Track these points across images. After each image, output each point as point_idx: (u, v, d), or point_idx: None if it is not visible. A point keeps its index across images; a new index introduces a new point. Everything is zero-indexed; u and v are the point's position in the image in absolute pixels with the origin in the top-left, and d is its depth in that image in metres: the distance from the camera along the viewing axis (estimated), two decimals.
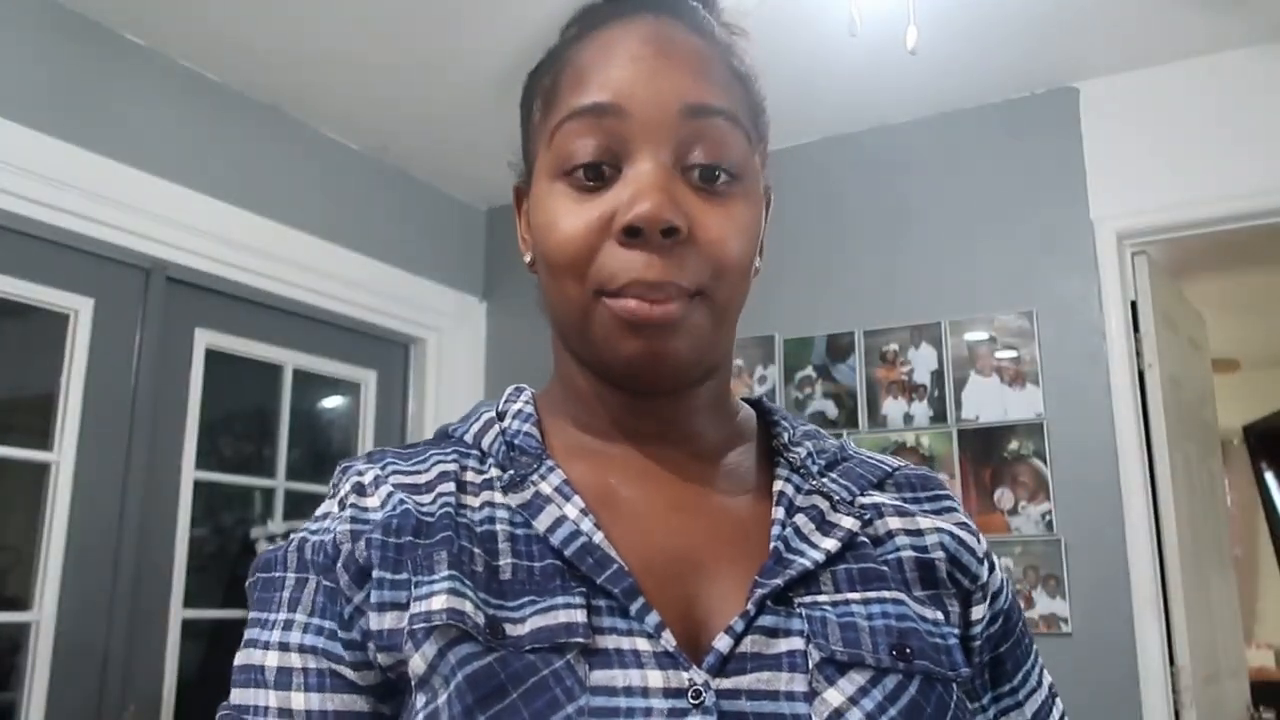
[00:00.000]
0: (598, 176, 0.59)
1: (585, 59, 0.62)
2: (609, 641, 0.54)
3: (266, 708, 0.57)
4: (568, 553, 0.57)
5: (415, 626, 0.55)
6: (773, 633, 0.56)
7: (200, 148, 2.42)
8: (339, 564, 0.59)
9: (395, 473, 0.63)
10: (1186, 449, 2.59)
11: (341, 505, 0.62)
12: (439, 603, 0.54)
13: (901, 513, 0.65)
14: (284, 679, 0.57)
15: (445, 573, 0.56)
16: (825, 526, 0.62)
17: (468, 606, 0.54)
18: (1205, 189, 2.40)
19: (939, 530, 0.65)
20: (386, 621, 0.56)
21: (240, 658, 0.60)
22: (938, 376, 2.59)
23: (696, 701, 0.52)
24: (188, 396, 2.42)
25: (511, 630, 0.54)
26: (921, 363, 2.61)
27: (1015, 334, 2.53)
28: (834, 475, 0.66)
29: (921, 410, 2.58)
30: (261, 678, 0.57)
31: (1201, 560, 2.54)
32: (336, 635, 0.58)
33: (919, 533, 0.64)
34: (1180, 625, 2.31)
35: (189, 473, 2.39)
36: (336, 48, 2.37)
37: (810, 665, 0.54)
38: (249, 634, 0.60)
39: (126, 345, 2.29)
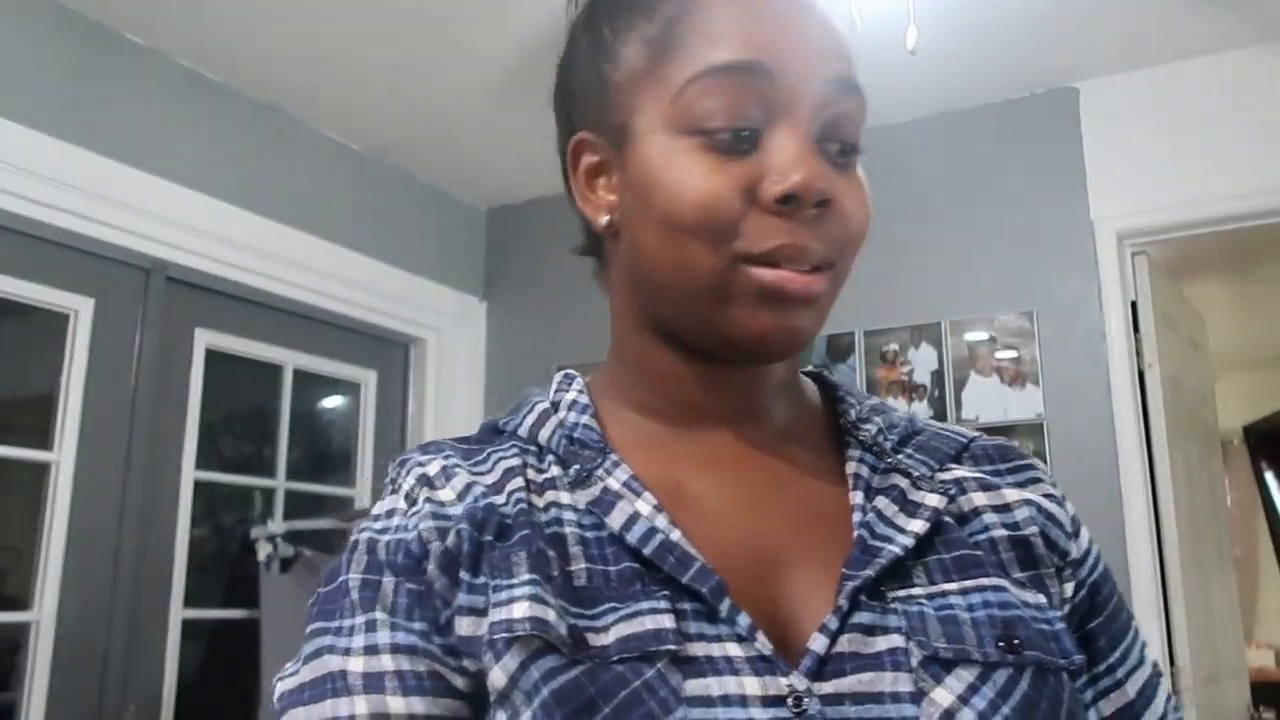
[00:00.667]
0: (738, 141, 0.54)
1: (716, 8, 0.56)
2: (699, 648, 0.50)
3: (354, 716, 0.49)
4: (647, 551, 0.53)
5: (496, 636, 0.50)
6: (870, 630, 0.52)
7: (200, 148, 2.42)
8: (431, 564, 0.53)
9: (459, 467, 0.59)
10: (1186, 449, 2.59)
11: (411, 500, 0.57)
12: (521, 610, 0.50)
13: (985, 486, 0.61)
14: (376, 682, 0.50)
15: (526, 577, 0.51)
16: (909, 507, 0.58)
17: (550, 615, 0.50)
18: (1205, 189, 2.40)
19: (1027, 503, 0.60)
20: (465, 628, 0.52)
21: (301, 676, 0.52)
22: (938, 376, 2.59)
23: (799, 710, 0.48)
24: (188, 396, 2.42)
25: (595, 640, 0.50)
26: (922, 363, 2.61)
27: (1015, 334, 2.53)
28: (909, 450, 0.62)
29: (922, 410, 2.58)
30: (344, 684, 0.50)
31: (1201, 560, 2.54)
32: (431, 638, 0.52)
33: (1006, 508, 0.60)
34: (1180, 625, 2.31)
35: (189, 473, 2.39)
36: (336, 48, 2.37)
37: (914, 663, 0.51)
38: (313, 646, 0.53)
39: (126, 345, 2.29)
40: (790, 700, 0.48)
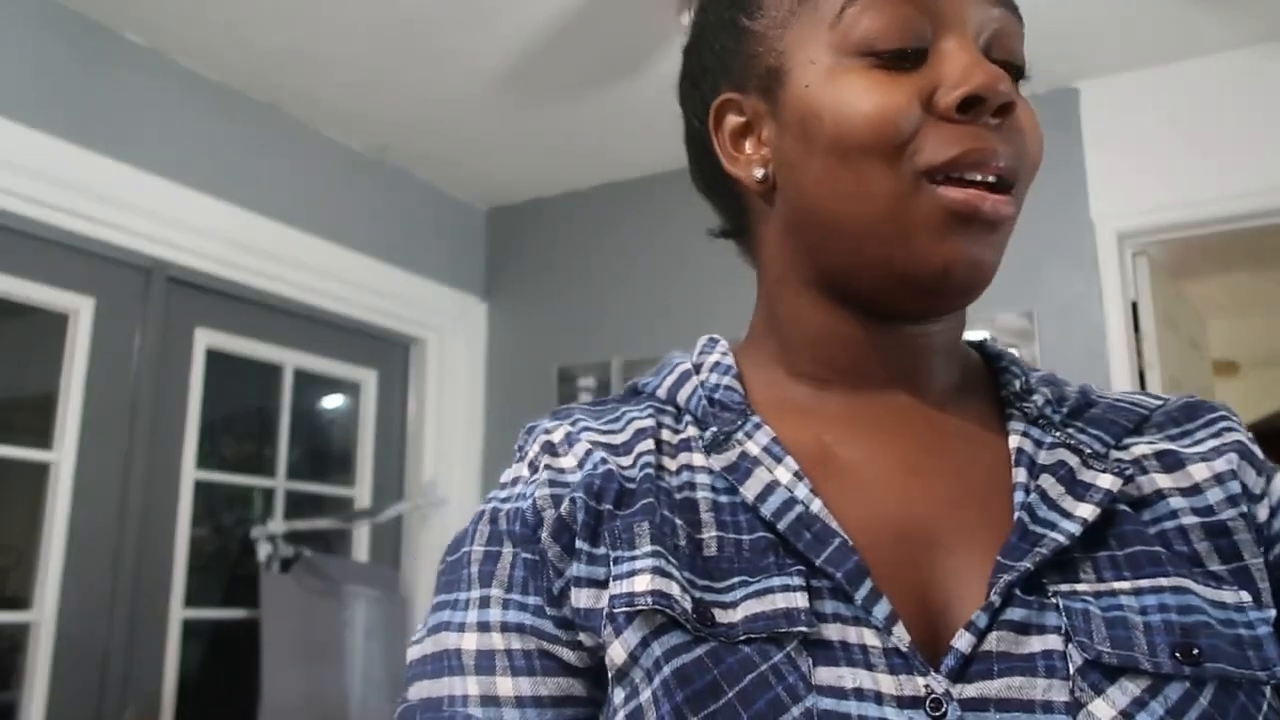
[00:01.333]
0: (904, 56, 0.51)
1: None
2: (834, 630, 0.46)
3: (466, 696, 0.49)
4: (781, 526, 0.49)
5: (616, 609, 0.48)
6: (1023, 628, 0.46)
7: (200, 148, 2.42)
8: (545, 533, 0.52)
9: (587, 429, 0.57)
10: None
11: (533, 468, 0.56)
12: (643, 583, 0.47)
13: (1169, 465, 0.53)
14: (486, 662, 0.50)
15: (649, 548, 0.49)
16: (1077, 488, 0.51)
17: (674, 589, 0.47)
18: (1206, 189, 2.40)
19: (1218, 480, 0.52)
20: (583, 599, 0.50)
21: (425, 647, 0.52)
22: None
23: (938, 713, 0.44)
24: (188, 396, 2.42)
25: (722, 616, 0.47)
26: None
27: (1015, 334, 2.53)
28: (1081, 424, 0.56)
29: None
30: (458, 663, 0.50)
31: None
32: (544, 612, 0.51)
33: (1195, 489, 0.52)
34: None
35: (189, 472, 2.39)
36: (336, 48, 2.37)
37: (1072, 669, 0.45)
38: (435, 619, 0.53)
39: (126, 345, 2.29)
40: (929, 703, 0.44)
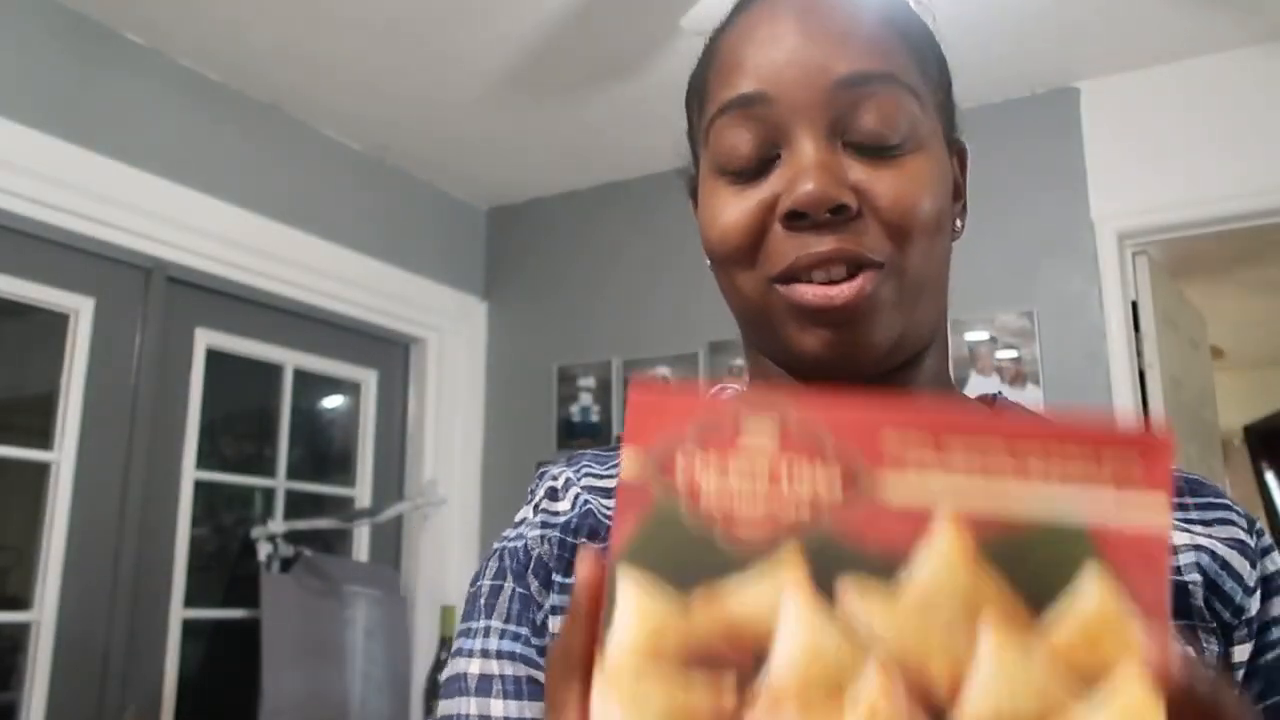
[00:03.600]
0: (756, 167, 0.55)
1: (729, 47, 0.57)
2: None
3: (467, 715, 0.55)
4: None
5: None
6: None
7: (200, 148, 2.42)
8: (530, 570, 0.58)
9: (588, 474, 0.62)
10: (1187, 449, 2.59)
11: (535, 510, 0.61)
12: None
13: None
14: (484, 685, 0.56)
15: None
16: None
17: None
18: (1206, 189, 2.40)
19: (1198, 549, 0.54)
20: (555, 626, 0.55)
21: (448, 670, 0.59)
22: None
23: None
24: (188, 396, 2.42)
25: None
26: None
27: (1015, 334, 2.53)
28: None
29: None
30: (464, 685, 0.56)
31: None
32: (530, 641, 0.57)
33: (1172, 550, 0.54)
34: None
35: (189, 473, 2.39)
36: (336, 48, 2.37)
37: None
38: (456, 645, 0.60)
39: (126, 345, 2.29)
40: None
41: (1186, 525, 0.56)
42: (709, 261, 0.62)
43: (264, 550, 2.48)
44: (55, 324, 2.18)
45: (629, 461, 0.36)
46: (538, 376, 3.02)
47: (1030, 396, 2.48)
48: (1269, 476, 5.37)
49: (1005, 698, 0.33)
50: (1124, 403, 2.39)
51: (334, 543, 2.74)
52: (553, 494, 0.61)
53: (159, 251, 2.31)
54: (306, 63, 2.43)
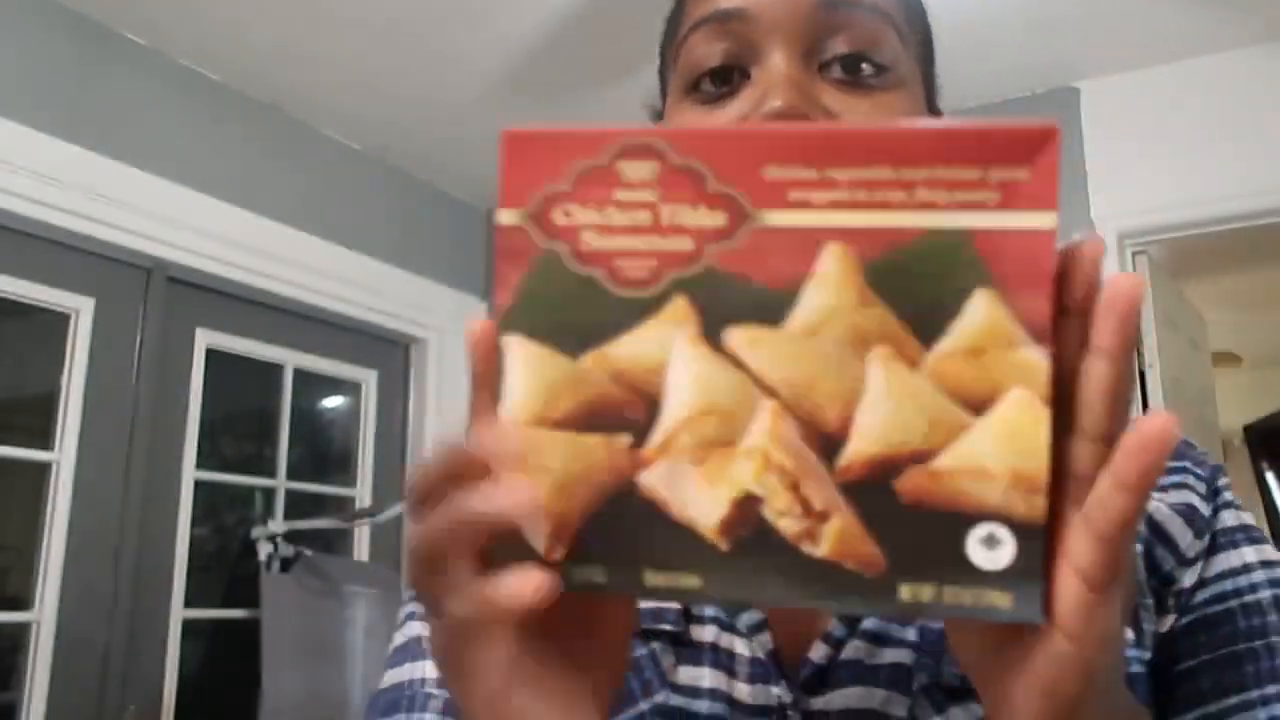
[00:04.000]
0: (725, 82, 0.51)
1: None
2: (707, 633, 0.47)
3: (425, 679, 0.51)
4: None
5: None
6: (878, 639, 0.46)
7: (200, 148, 2.42)
8: None
9: None
10: None
11: None
12: None
13: None
14: None
15: None
16: None
17: None
18: (1206, 188, 2.40)
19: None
20: None
21: (396, 640, 0.55)
22: None
23: None
24: (188, 396, 2.42)
25: None
26: None
27: None
28: None
29: None
30: (419, 649, 0.53)
31: None
32: None
33: None
34: None
35: (189, 472, 2.39)
36: (336, 48, 2.37)
37: (915, 686, 0.44)
38: (403, 612, 0.56)
39: (126, 345, 2.29)
40: (776, 714, 0.45)
41: None
42: None
43: (264, 550, 2.48)
44: (55, 324, 2.18)
45: (506, 214, 0.35)
46: None
47: None
48: (1269, 476, 5.37)
49: (895, 427, 0.32)
50: None
51: (334, 543, 2.74)
52: None
53: (159, 251, 2.31)
54: (307, 63, 2.43)
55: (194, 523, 2.38)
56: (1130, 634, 0.48)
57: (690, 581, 0.34)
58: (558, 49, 2.35)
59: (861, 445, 0.33)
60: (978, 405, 0.32)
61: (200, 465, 2.42)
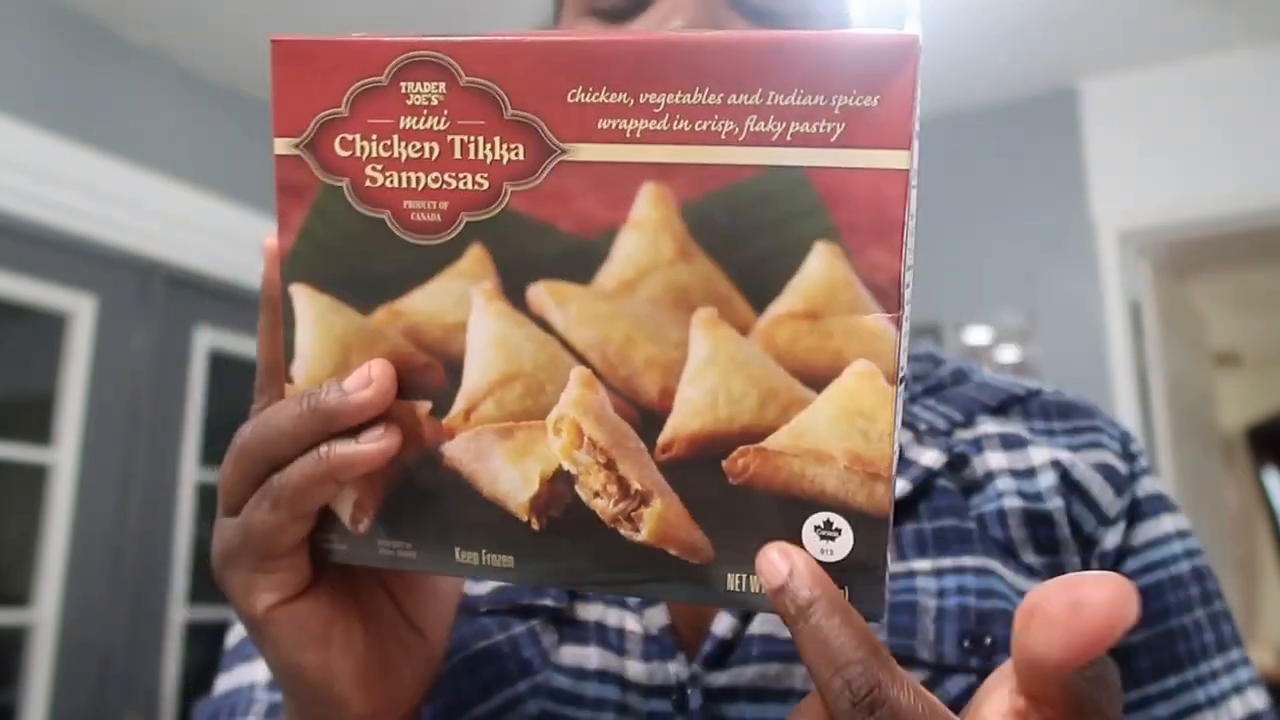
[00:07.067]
0: (624, 8, 0.47)
1: None
2: (592, 611, 0.43)
3: (253, 684, 0.47)
4: None
5: None
6: None
7: (200, 147, 2.42)
8: None
9: None
10: (1188, 449, 2.59)
11: None
12: None
13: (1010, 445, 0.47)
14: None
15: None
16: (899, 465, 0.45)
17: None
18: (1206, 188, 2.40)
19: (1056, 466, 0.46)
20: None
21: (229, 640, 0.51)
22: None
23: (680, 704, 0.41)
24: (188, 396, 2.42)
25: (469, 588, 0.44)
26: None
27: (1016, 334, 2.53)
28: (932, 401, 0.49)
29: None
30: (250, 651, 0.48)
31: None
32: None
33: (1030, 472, 0.46)
34: None
35: (189, 473, 2.39)
36: None
37: None
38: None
39: (126, 345, 2.29)
40: (675, 693, 0.41)
41: (1049, 440, 0.48)
42: None
43: None
44: (55, 324, 2.18)
45: (280, 143, 0.30)
46: None
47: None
48: (1269, 476, 5.37)
49: (722, 401, 0.28)
50: (1124, 403, 2.39)
51: None
52: None
53: (159, 251, 2.31)
54: None
55: (194, 523, 2.38)
56: None
57: (503, 561, 0.31)
58: None
59: (684, 421, 0.29)
60: (815, 378, 0.28)
61: (201, 465, 2.42)
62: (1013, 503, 0.45)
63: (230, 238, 2.44)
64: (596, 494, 0.30)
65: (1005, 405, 0.50)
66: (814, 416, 0.28)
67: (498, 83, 0.29)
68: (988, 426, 0.49)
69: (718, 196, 0.27)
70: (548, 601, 0.43)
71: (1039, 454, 0.47)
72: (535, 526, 0.30)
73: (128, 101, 2.28)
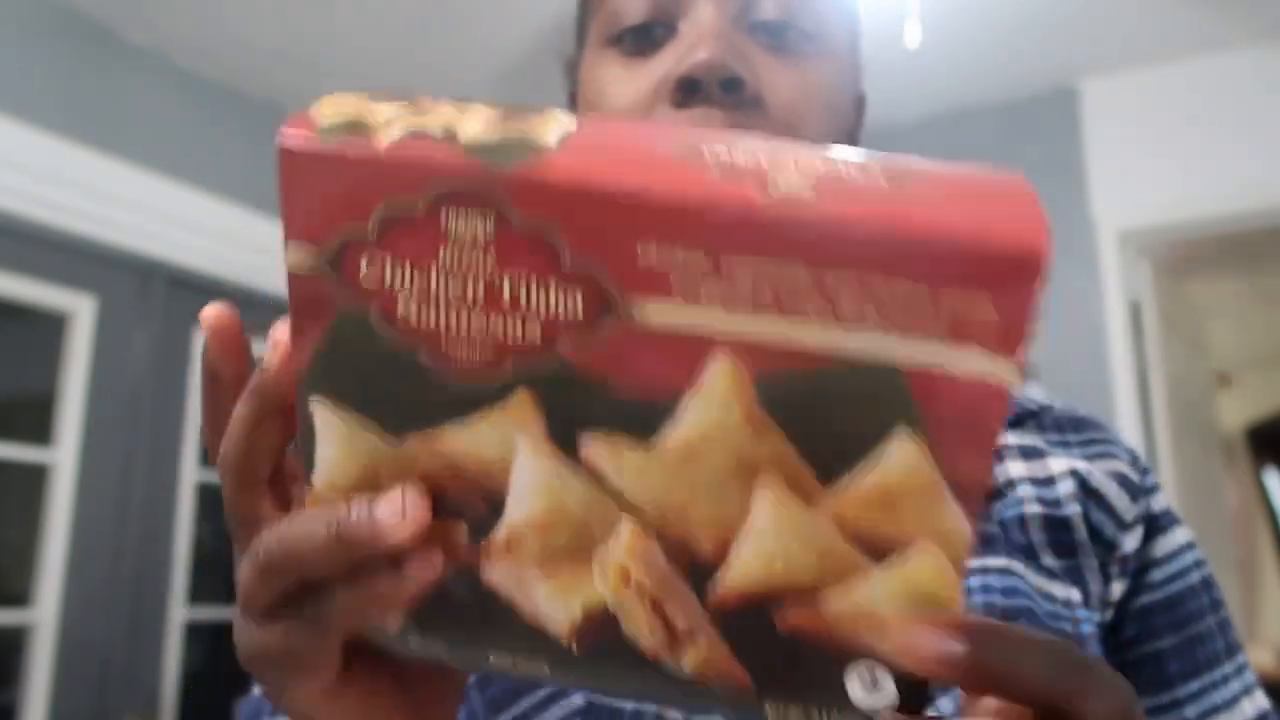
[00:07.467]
0: (648, 38, 0.49)
1: None
2: None
3: None
4: None
5: None
6: None
7: (200, 147, 2.42)
8: None
9: None
10: (1188, 449, 2.59)
11: None
12: None
13: (1029, 455, 0.51)
14: None
15: None
16: None
17: None
18: (1207, 188, 2.40)
19: (1074, 475, 0.49)
20: None
21: None
22: None
23: None
24: (188, 396, 2.42)
25: None
26: None
27: None
28: None
29: None
30: None
31: None
32: None
33: (1049, 480, 0.49)
34: None
35: (189, 472, 2.39)
36: (336, 48, 2.37)
37: None
38: None
39: (127, 345, 2.29)
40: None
41: (1065, 451, 0.51)
42: None
43: None
44: (55, 324, 2.18)
45: (294, 250, 0.26)
46: None
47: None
48: (1269, 477, 5.37)
49: (779, 558, 0.27)
50: (1124, 403, 2.39)
51: None
52: None
53: (159, 251, 2.31)
54: (306, 61, 2.43)
55: (194, 523, 2.38)
56: (1077, 594, 0.47)
57: (538, 667, 0.30)
58: (558, 49, 2.35)
59: (738, 575, 0.27)
60: (879, 552, 0.26)
61: (201, 465, 2.42)
62: (1033, 509, 0.48)
63: (230, 238, 2.44)
64: (640, 632, 0.29)
65: (1021, 419, 0.53)
66: (874, 587, 0.27)
67: (557, 228, 0.25)
68: (1007, 438, 0.51)
69: (798, 376, 0.25)
70: None
71: (1057, 463, 0.50)
72: (575, 651, 0.30)
73: (128, 101, 2.28)
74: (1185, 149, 2.43)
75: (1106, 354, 2.43)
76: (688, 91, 0.46)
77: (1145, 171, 2.46)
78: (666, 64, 0.48)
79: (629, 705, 0.43)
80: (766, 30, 0.48)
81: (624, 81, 0.49)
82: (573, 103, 0.60)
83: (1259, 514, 5.40)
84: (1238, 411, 5.13)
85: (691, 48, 0.46)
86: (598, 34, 0.51)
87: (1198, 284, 3.52)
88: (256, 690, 0.50)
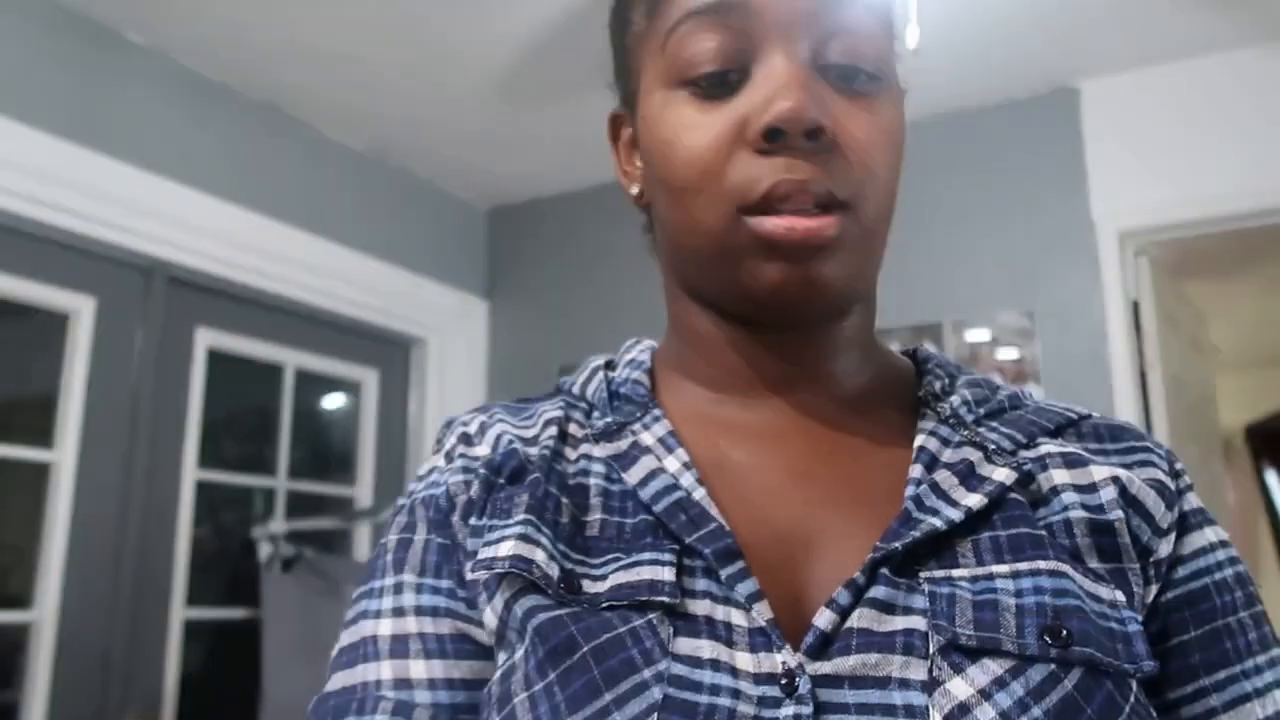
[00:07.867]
0: (723, 83, 0.51)
1: None
2: (700, 607, 0.47)
3: (380, 681, 0.50)
4: (658, 508, 0.50)
5: (479, 574, 0.50)
6: (887, 607, 0.47)
7: (200, 147, 2.42)
8: (456, 516, 0.54)
9: (502, 421, 0.58)
10: (1188, 449, 2.59)
11: (449, 458, 0.57)
12: (506, 549, 0.49)
13: (1072, 463, 0.53)
14: (400, 646, 0.50)
15: (521, 517, 0.50)
16: (972, 481, 0.51)
17: (539, 555, 0.49)
18: (1207, 188, 2.40)
19: (1115, 481, 0.52)
20: (469, 573, 0.51)
21: (344, 640, 0.54)
22: None
23: (789, 689, 0.44)
24: (188, 396, 2.42)
25: (589, 586, 0.48)
26: None
27: (1016, 334, 2.53)
28: (995, 424, 0.55)
29: None
30: (374, 649, 0.51)
31: None
32: (456, 594, 0.52)
33: (1091, 487, 0.52)
34: None
35: (190, 472, 2.39)
36: (336, 48, 2.36)
37: (932, 649, 0.45)
38: (354, 610, 0.54)
39: (127, 345, 2.29)
40: (782, 679, 0.45)
41: (1105, 459, 0.54)
42: (636, 191, 0.60)
43: (264, 550, 2.48)
44: (55, 324, 2.18)
45: None
46: (539, 376, 3.02)
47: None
48: (1269, 476, 5.37)
49: None
50: (1124, 403, 2.39)
51: (334, 543, 2.74)
52: (467, 440, 0.57)
53: (159, 251, 2.31)
54: (306, 62, 2.43)
55: (194, 523, 2.38)
56: (1121, 596, 0.49)
57: None
58: (559, 48, 2.35)
59: None
60: None
61: (201, 465, 2.42)
62: (1078, 514, 0.51)
63: (230, 238, 2.44)
64: None
65: (1061, 428, 0.56)
66: None
67: None
68: (1049, 446, 0.54)
69: None
70: (663, 598, 0.47)
71: (1099, 471, 0.53)
72: None
73: (128, 101, 2.28)
74: (1185, 149, 2.43)
75: (1106, 354, 2.43)
76: (771, 139, 0.49)
77: (1145, 171, 2.46)
78: (744, 108, 0.50)
79: (704, 699, 0.44)
80: (837, 74, 0.51)
81: (700, 126, 0.51)
82: (614, 126, 0.61)
83: (1259, 513, 5.40)
84: (1238, 411, 5.13)
85: (774, 96, 0.49)
86: (666, 76, 0.53)
87: (1198, 284, 3.51)
88: (335, 683, 0.52)
